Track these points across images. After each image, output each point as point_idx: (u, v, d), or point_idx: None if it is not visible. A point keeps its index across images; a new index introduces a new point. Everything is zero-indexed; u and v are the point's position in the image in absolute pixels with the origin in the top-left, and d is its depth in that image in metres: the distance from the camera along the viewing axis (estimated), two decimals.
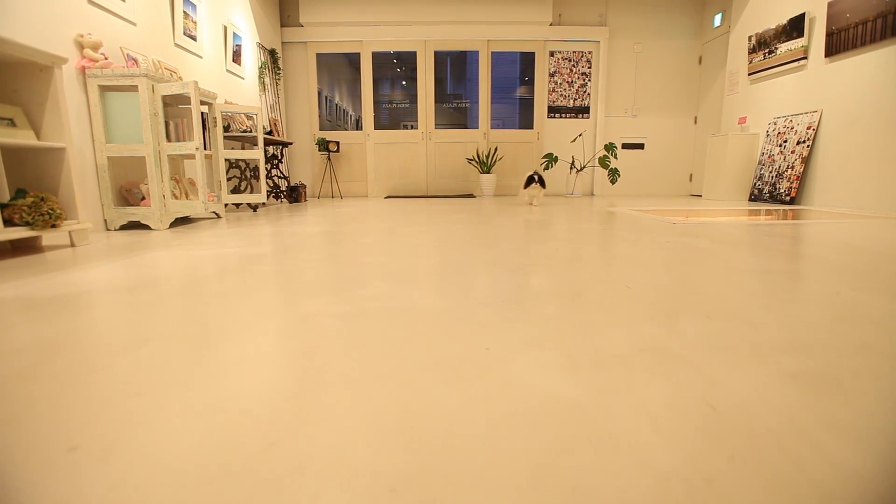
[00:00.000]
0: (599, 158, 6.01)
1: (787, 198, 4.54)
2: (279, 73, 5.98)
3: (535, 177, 4.20)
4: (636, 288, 1.30)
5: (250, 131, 4.37)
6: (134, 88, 2.78)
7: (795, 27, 4.55)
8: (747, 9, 5.30)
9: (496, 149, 6.46)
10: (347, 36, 6.20)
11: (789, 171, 4.61)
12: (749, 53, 5.23)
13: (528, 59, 6.47)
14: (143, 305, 1.17)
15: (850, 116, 4.04)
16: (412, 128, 6.55)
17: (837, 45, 4.11)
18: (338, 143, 6.06)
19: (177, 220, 3.34)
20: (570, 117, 6.55)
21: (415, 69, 6.40)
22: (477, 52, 6.37)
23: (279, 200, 5.39)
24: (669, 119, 6.59)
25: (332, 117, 6.74)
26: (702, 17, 6.35)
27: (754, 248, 1.97)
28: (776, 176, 4.76)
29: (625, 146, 6.62)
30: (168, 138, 3.04)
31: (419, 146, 6.53)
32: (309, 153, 6.52)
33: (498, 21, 6.15)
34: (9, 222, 1.98)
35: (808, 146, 4.42)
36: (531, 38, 6.27)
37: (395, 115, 6.65)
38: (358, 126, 6.59)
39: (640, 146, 6.65)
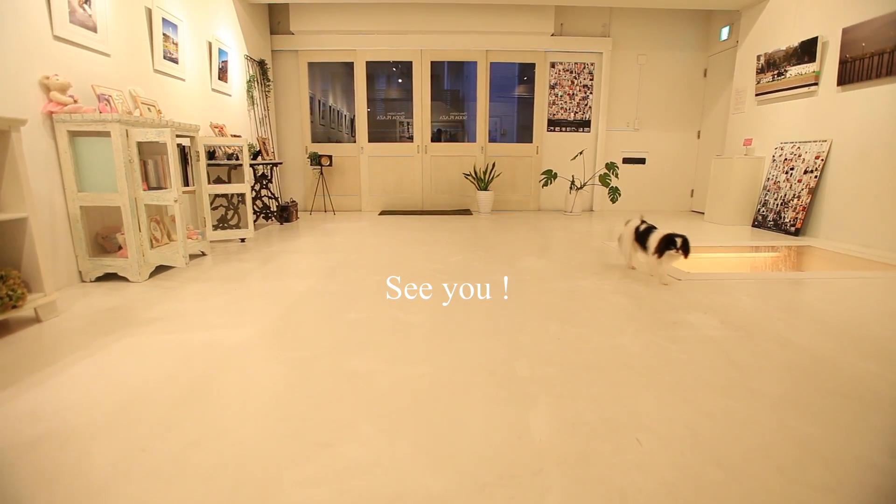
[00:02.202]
0: (600, 176, 5.85)
1: (793, 228, 4.41)
2: (269, 86, 5.73)
3: (677, 240, 2.56)
4: (647, 443, 1.18)
5: (236, 157, 4.17)
6: (106, 133, 2.59)
7: (807, 51, 4.36)
8: (756, 26, 5.10)
9: (494, 164, 6.26)
10: (340, 45, 5.94)
11: (795, 200, 4.47)
12: (757, 73, 5.04)
13: (528, 71, 6.24)
14: (82, 496, 1.03)
15: (861, 150, 3.89)
16: (408, 138, 6.34)
17: (851, 74, 3.94)
18: (330, 158, 5.85)
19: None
20: (571, 131, 6.36)
21: (411, 79, 6.16)
22: (475, 63, 6.14)
23: (269, 220, 5.21)
24: (672, 133, 6.41)
25: (326, 122, 6.48)
26: (708, 30, 6.13)
27: (772, 344, 1.84)
28: (781, 204, 4.62)
29: (626, 161, 6.45)
30: (146, 179, 2.86)
31: (415, 160, 6.32)
32: (301, 166, 6.30)
33: (497, 31, 5.91)
34: None
35: (815, 177, 4.28)
36: (532, 48, 6.04)
37: (389, 128, 6.43)
38: (352, 131, 6.34)
39: (642, 161, 6.48)
